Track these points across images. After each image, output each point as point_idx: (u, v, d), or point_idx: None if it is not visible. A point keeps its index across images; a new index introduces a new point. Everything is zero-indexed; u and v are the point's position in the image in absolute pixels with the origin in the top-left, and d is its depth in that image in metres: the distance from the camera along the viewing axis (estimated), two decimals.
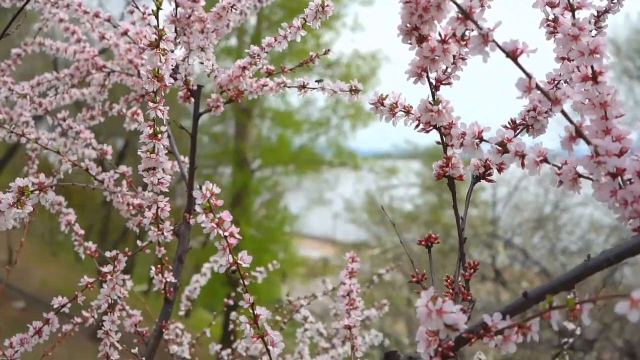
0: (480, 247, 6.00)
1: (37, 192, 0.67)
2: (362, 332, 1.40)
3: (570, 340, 1.12)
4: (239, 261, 0.63)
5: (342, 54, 10.35)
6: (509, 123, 0.69)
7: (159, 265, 0.97)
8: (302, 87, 0.93)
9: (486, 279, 6.17)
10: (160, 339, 1.00)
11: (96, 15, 1.10)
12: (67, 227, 1.11)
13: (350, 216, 10.63)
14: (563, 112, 0.51)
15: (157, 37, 0.69)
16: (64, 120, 1.13)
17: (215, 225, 0.62)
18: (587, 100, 0.56)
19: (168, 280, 0.97)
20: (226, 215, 0.63)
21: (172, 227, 0.91)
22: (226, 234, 0.62)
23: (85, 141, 1.11)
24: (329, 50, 0.98)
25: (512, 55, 0.51)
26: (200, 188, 0.61)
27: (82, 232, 1.10)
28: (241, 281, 0.65)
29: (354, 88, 0.85)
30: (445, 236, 6.54)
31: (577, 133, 0.52)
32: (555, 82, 0.70)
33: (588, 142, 0.51)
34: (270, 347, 0.64)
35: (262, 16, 8.47)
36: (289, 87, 0.95)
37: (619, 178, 0.51)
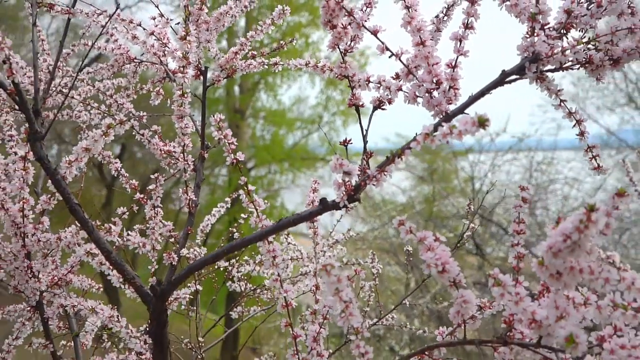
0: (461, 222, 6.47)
1: (118, 125, 1.15)
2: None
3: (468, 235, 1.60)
4: (237, 157, 1.11)
5: (331, 52, 10.80)
6: (395, 74, 1.17)
7: (184, 187, 1.44)
8: (276, 64, 1.41)
9: (470, 253, 6.65)
10: (186, 239, 1.47)
11: (130, 21, 1.57)
12: (116, 172, 1.58)
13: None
14: (401, 60, 0.99)
15: (185, 33, 1.17)
16: (111, 96, 1.61)
17: (222, 137, 1.09)
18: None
19: (191, 198, 1.44)
20: (229, 132, 1.10)
21: (193, 159, 1.39)
22: (229, 141, 1.10)
23: (127, 110, 1.59)
24: (293, 39, 1.47)
25: (374, 32, 0.98)
26: (213, 116, 1.09)
27: (127, 175, 1.57)
28: (242, 175, 1.13)
29: (308, 62, 1.32)
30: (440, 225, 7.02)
31: (409, 72, 0.99)
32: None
33: (414, 76, 0.99)
34: (257, 208, 1.12)
35: (251, 19, 8.95)
36: (267, 65, 1.43)
37: (431, 93, 0.99)
